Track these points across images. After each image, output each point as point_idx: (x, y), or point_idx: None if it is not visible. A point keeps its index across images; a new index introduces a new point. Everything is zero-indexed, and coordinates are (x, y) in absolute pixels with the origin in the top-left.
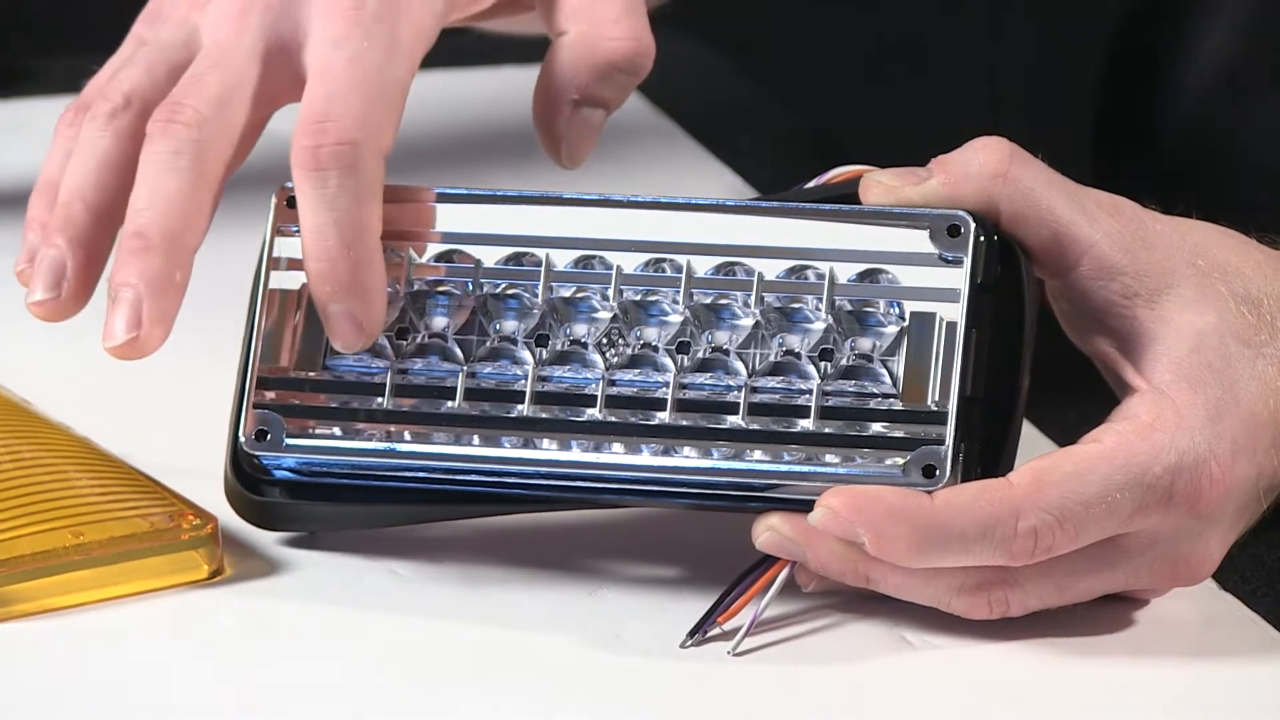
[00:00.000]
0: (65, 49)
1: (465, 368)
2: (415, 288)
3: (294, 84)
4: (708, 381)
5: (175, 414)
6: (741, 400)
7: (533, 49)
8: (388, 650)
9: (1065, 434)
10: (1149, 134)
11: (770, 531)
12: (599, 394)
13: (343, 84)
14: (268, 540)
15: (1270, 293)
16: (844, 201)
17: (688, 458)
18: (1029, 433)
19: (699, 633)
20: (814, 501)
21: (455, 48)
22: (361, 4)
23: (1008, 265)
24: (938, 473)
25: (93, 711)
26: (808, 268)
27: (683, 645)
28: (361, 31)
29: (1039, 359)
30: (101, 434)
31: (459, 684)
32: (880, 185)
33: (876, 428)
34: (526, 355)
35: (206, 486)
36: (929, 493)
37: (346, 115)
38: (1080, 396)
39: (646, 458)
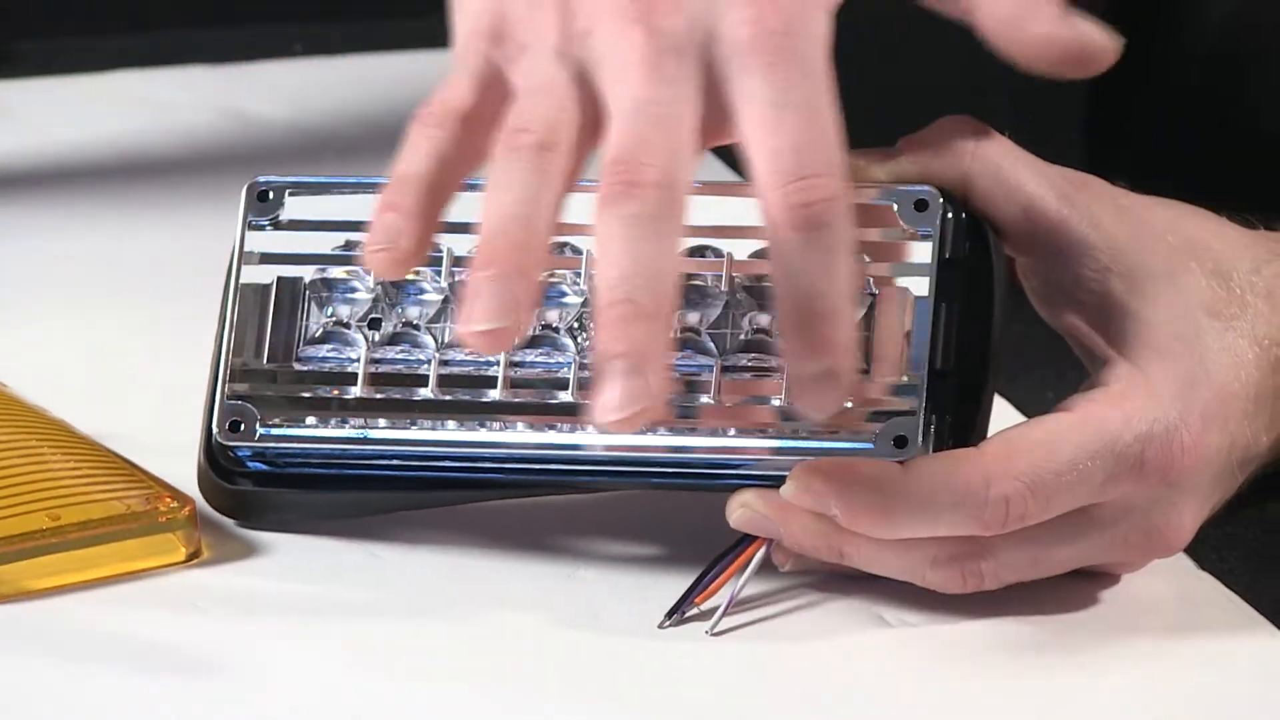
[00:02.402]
0: (43, 31)
1: (438, 355)
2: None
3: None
4: (680, 361)
5: (152, 397)
6: (714, 379)
7: None
8: (366, 633)
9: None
10: (1144, 106)
11: (744, 508)
12: (571, 377)
13: (804, 138)
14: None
15: (1240, 267)
16: None
17: (662, 436)
18: (1007, 413)
19: (677, 613)
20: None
21: (430, 30)
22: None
23: (976, 241)
24: (908, 443)
25: (69, 696)
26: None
27: (661, 626)
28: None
29: (1017, 340)
30: (78, 417)
31: (438, 666)
32: (849, 165)
33: (847, 402)
34: None
35: (184, 469)
36: (900, 463)
37: (826, 170)
38: (1058, 378)
39: (622, 438)
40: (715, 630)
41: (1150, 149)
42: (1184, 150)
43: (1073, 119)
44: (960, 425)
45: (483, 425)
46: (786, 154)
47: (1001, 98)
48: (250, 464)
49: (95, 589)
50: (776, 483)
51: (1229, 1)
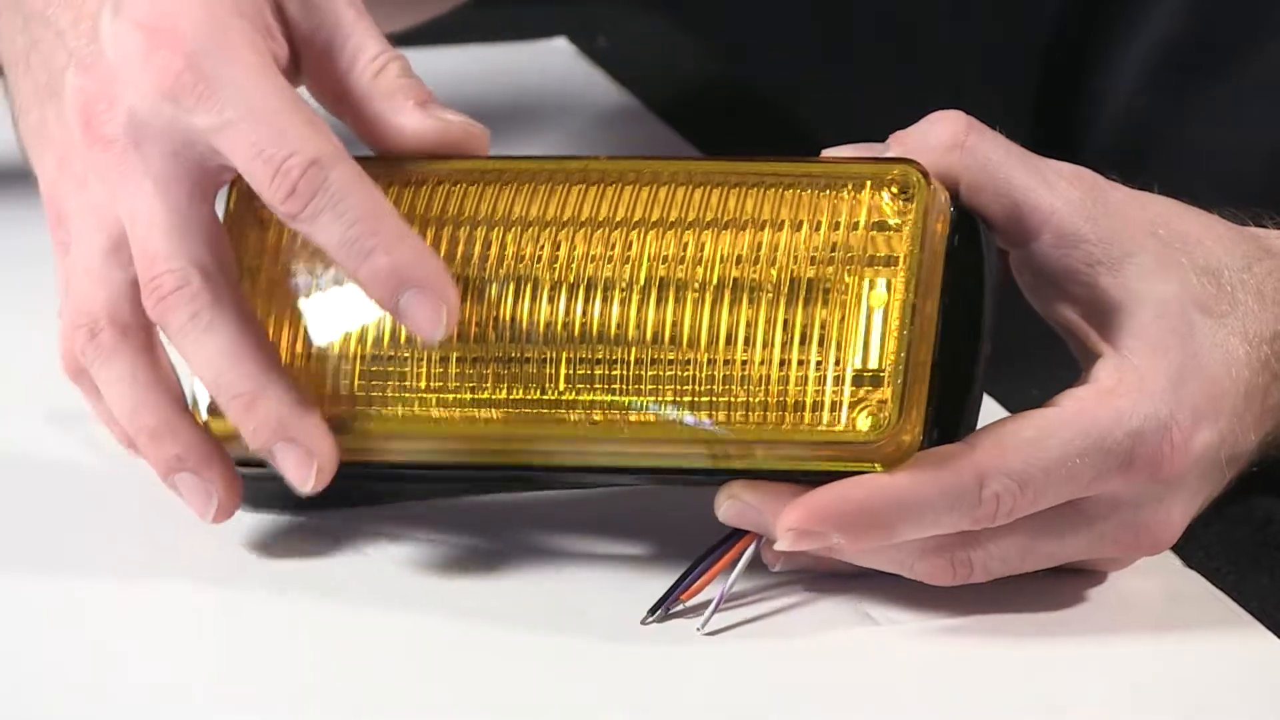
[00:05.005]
0: None
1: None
2: None
3: (220, 170)
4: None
5: None
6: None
7: (503, 29)
8: (353, 631)
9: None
10: (1085, 125)
11: (733, 500)
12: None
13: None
14: (233, 523)
15: (1230, 264)
16: None
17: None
18: (994, 410)
19: (660, 609)
20: (775, 471)
21: (421, 27)
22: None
23: (967, 234)
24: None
25: (49, 688)
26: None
27: (643, 622)
28: None
29: (1005, 336)
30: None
31: (423, 663)
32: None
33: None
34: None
35: None
36: (892, 466)
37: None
38: (1045, 375)
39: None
40: (706, 628)
41: (1095, 166)
42: (1130, 167)
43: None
44: (949, 417)
45: None
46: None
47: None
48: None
49: (70, 581)
50: (764, 475)
51: (1171, 21)
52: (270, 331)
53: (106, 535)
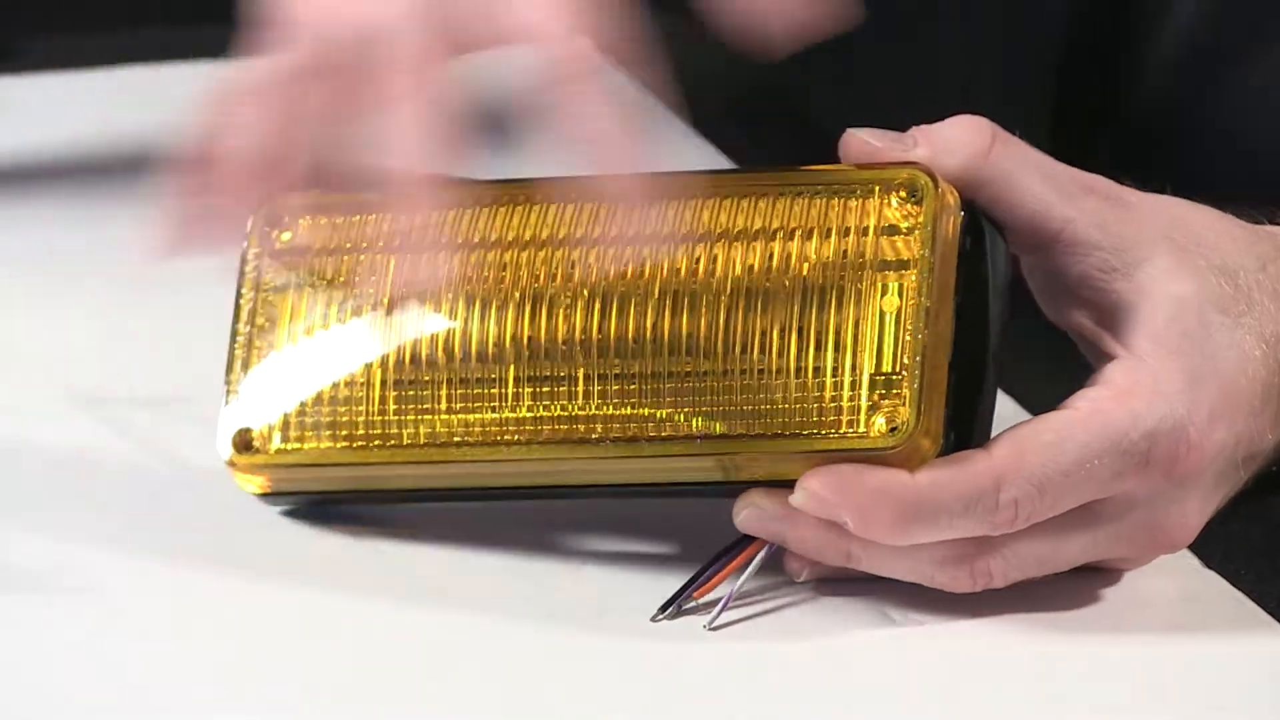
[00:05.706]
0: (54, 27)
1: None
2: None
3: None
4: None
5: (164, 386)
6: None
7: None
8: (370, 629)
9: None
10: (1115, 108)
11: (751, 508)
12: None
13: None
14: (252, 517)
15: (1246, 265)
16: None
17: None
18: (1011, 410)
19: (672, 606)
20: (794, 481)
21: None
22: None
23: (977, 234)
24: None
25: (58, 686)
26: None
27: (654, 619)
28: None
29: (1019, 337)
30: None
31: (440, 662)
32: (866, 145)
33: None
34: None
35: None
36: (910, 470)
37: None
38: (1061, 375)
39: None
40: (714, 625)
41: (1117, 159)
42: (1150, 159)
43: (1038, 132)
44: (964, 419)
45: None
46: None
47: (963, 105)
48: None
49: (83, 579)
50: (783, 484)
51: (1192, 10)
52: (297, 361)
53: (115, 527)
